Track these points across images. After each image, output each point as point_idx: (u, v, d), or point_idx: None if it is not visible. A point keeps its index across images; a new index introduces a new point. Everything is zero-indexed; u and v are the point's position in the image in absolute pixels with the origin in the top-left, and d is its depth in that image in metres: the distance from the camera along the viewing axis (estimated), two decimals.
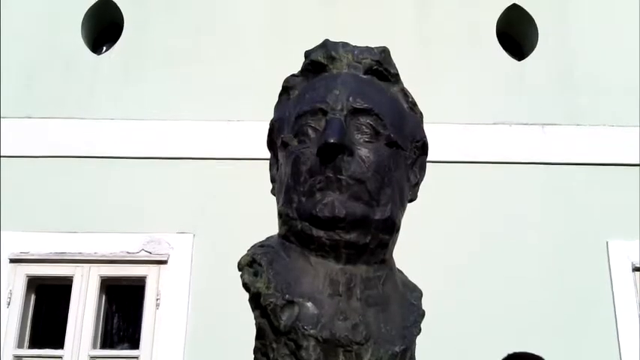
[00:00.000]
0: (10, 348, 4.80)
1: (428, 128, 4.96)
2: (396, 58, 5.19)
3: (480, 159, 5.14)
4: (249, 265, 1.59)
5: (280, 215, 1.65)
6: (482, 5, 5.55)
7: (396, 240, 1.67)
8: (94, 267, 4.97)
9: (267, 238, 1.70)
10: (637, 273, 4.87)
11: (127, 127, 5.17)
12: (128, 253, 4.97)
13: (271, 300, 1.51)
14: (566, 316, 4.79)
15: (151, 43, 5.45)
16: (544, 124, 5.22)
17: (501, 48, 5.47)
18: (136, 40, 5.47)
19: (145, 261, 4.99)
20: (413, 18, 5.53)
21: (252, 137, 5.02)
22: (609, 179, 5.10)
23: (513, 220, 5.02)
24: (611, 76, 5.34)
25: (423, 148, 1.78)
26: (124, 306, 5.21)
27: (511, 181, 5.11)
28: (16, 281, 4.92)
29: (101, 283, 5.00)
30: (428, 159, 4.85)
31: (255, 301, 1.55)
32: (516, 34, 5.69)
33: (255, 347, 1.57)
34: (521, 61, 5.46)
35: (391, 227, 1.63)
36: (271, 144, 1.80)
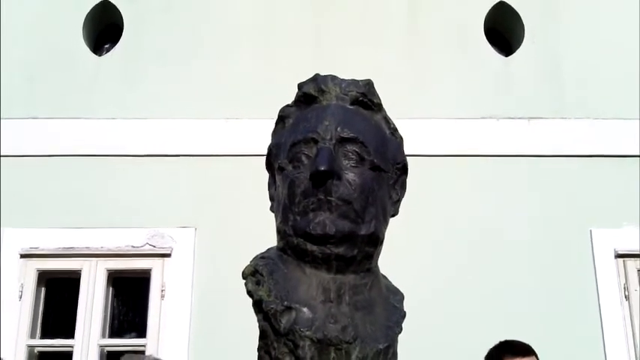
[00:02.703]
0: (24, 338, 4.91)
1: (420, 123, 5.21)
2: (387, 55, 5.41)
3: (469, 152, 5.26)
4: (252, 274, 1.82)
5: (279, 231, 1.88)
6: (471, 3, 5.66)
7: (380, 251, 1.90)
8: (101, 261, 5.08)
9: (268, 249, 1.93)
10: (619, 260, 5.00)
11: (128, 126, 5.28)
12: (133, 247, 5.08)
13: (272, 306, 1.75)
14: (551, 302, 4.92)
15: (151, 44, 5.54)
16: (530, 118, 5.35)
17: (489, 45, 5.60)
18: (135, 41, 5.56)
19: (149, 254, 5.09)
20: (403, 15, 5.64)
21: (249, 134, 5.21)
22: (592, 170, 5.23)
23: (500, 210, 5.16)
24: (595, 71, 5.46)
25: (403, 169, 2.00)
26: (130, 297, 5.32)
27: (498, 173, 5.24)
28: (26, 275, 5.04)
29: (108, 276, 5.10)
30: (421, 152, 5.03)
31: (258, 306, 1.78)
32: (504, 31, 5.83)
33: (259, 346, 1.81)
34: (509, 57, 5.60)
35: (375, 241, 1.86)
36: (269, 166, 2.02)
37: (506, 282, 4.99)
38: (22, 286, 5.02)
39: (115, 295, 5.27)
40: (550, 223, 5.15)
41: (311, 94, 1.94)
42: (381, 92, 5.11)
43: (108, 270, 5.10)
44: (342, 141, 1.83)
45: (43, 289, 5.17)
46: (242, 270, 1.87)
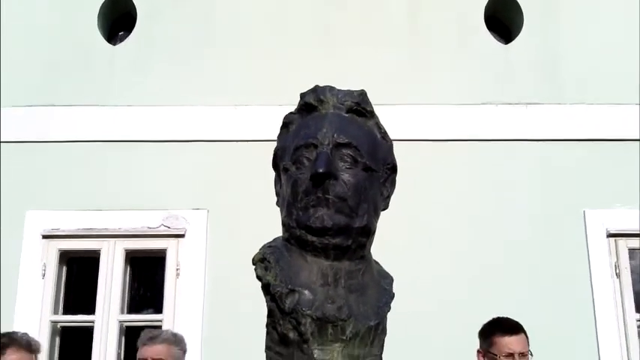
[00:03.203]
0: (47, 314, 5.15)
1: (422, 109, 5.41)
2: (388, 42, 5.59)
3: (469, 137, 5.47)
4: (261, 261, 2.10)
5: (284, 224, 2.16)
6: None
7: (372, 240, 2.17)
8: (119, 241, 5.28)
9: (274, 239, 2.20)
10: (611, 239, 5.20)
11: (143, 113, 5.50)
12: (149, 228, 5.28)
13: (278, 289, 2.03)
14: (546, 278, 5.15)
15: (163, 32, 5.74)
16: (528, 104, 5.55)
17: (489, 32, 5.78)
18: (148, 30, 5.76)
19: (164, 235, 5.28)
20: (405, 4, 5.81)
21: (258, 121, 5.44)
22: (586, 153, 5.42)
23: (499, 192, 5.37)
24: (592, 58, 5.65)
25: (392, 168, 2.26)
26: (147, 276, 5.56)
27: (497, 157, 5.45)
28: (49, 255, 5.25)
29: (126, 256, 5.30)
30: (424, 137, 5.23)
31: (266, 289, 2.06)
32: (504, 19, 6.01)
33: (267, 323, 2.09)
34: (508, 45, 5.78)
35: (367, 232, 2.14)
36: (275, 166, 2.28)
37: (503, 260, 5.21)
38: (44, 265, 5.25)
39: (133, 274, 5.48)
40: (546, 204, 5.36)
41: (311, 104, 2.20)
42: (381, 78, 5.36)
43: (126, 250, 5.32)
44: (338, 146, 2.10)
45: (64, 268, 5.41)
46: (252, 257, 2.14)
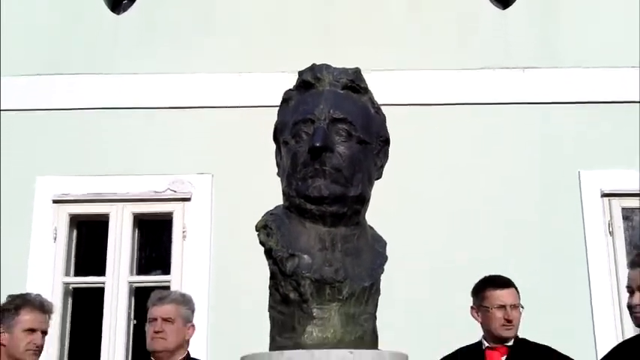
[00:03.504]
0: (59, 276, 5.32)
1: (422, 74, 5.51)
2: (388, 11, 5.65)
3: (467, 101, 5.57)
4: (264, 228, 2.26)
5: (284, 193, 2.31)
6: None
7: (367, 208, 2.33)
8: (127, 205, 5.43)
9: (275, 207, 2.36)
10: (605, 198, 5.34)
11: (149, 81, 5.61)
12: (156, 192, 5.43)
13: (279, 254, 2.20)
14: (541, 237, 5.30)
15: (167, 1, 5.84)
16: (525, 68, 5.65)
17: None
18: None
19: (171, 199, 5.42)
20: None
21: (260, 87, 5.55)
22: (582, 116, 5.52)
23: (497, 154, 5.49)
24: (588, 22, 5.73)
25: (385, 141, 2.41)
26: (155, 238, 5.73)
27: (495, 120, 5.55)
28: (59, 219, 5.41)
29: (134, 219, 5.45)
30: (427, 102, 5.34)
31: (269, 253, 2.23)
32: None
33: (270, 284, 2.26)
34: (506, 10, 5.82)
35: (362, 200, 2.30)
36: (276, 139, 2.43)
37: (501, 219, 5.35)
38: (55, 229, 5.40)
39: (141, 237, 5.63)
40: (542, 165, 5.50)
41: (309, 81, 2.34)
42: (381, 44, 5.45)
43: (133, 213, 5.46)
44: (334, 121, 2.25)
45: (74, 232, 5.56)
46: (255, 224, 2.30)
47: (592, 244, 5.31)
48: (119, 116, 5.59)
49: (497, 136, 5.57)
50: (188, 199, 5.45)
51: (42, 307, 3.73)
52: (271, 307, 2.27)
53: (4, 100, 5.56)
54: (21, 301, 3.70)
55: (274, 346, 2.23)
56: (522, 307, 3.81)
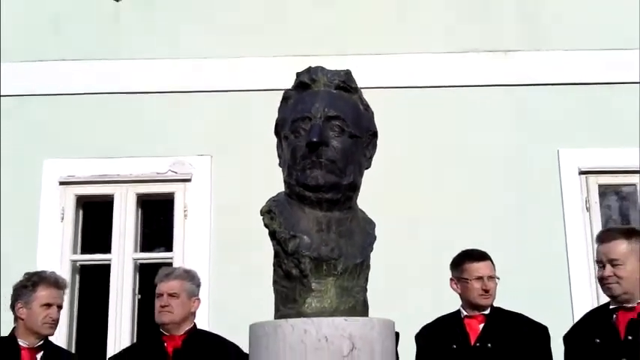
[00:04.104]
0: (67, 254, 5.59)
1: (408, 57, 5.77)
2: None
3: (451, 83, 5.85)
4: (268, 212, 2.58)
5: (285, 182, 2.63)
6: None
7: (358, 194, 2.65)
8: (131, 186, 5.69)
9: (277, 194, 2.67)
10: (582, 176, 5.63)
11: (149, 66, 5.86)
12: (158, 173, 5.68)
13: (282, 235, 2.51)
14: (522, 212, 5.58)
15: None
16: (507, 51, 5.92)
17: None
18: None
19: (172, 180, 5.68)
20: None
21: (258, 72, 5.82)
22: (562, 97, 5.80)
23: (480, 133, 5.77)
24: (567, 7, 5.98)
25: (373, 134, 2.73)
26: (157, 217, 6.03)
27: (478, 101, 5.82)
28: (66, 200, 5.67)
29: (137, 199, 5.71)
30: (413, 84, 5.58)
31: (272, 235, 2.55)
32: None
33: (274, 262, 2.58)
34: None
35: (354, 188, 2.62)
36: (277, 133, 2.73)
37: (483, 195, 5.64)
38: (62, 209, 5.67)
39: (144, 216, 5.89)
40: (523, 144, 5.77)
41: (305, 82, 2.65)
42: (368, 29, 5.69)
43: (137, 194, 5.73)
44: (328, 118, 2.56)
45: (80, 212, 5.83)
46: (260, 209, 2.61)
47: (570, 219, 5.61)
48: (122, 100, 5.84)
49: (481, 117, 5.84)
50: (188, 180, 5.72)
51: (57, 283, 4.02)
52: (275, 282, 2.59)
53: (12, 85, 5.80)
54: (38, 278, 3.99)
55: (279, 315, 2.55)
56: (498, 278, 4.11)
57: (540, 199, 5.66)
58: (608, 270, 3.43)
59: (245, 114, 5.77)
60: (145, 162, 5.74)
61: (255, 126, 5.55)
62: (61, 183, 5.72)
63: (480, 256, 4.11)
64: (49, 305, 3.91)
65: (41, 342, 3.94)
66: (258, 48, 5.91)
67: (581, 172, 5.68)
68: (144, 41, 5.97)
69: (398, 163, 5.55)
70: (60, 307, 4.00)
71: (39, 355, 3.92)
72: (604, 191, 5.76)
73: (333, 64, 5.49)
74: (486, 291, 4.01)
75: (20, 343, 3.88)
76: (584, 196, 5.66)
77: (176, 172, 5.73)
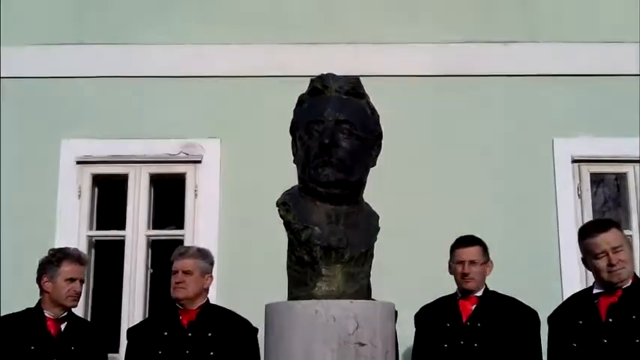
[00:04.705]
0: (84, 230, 5.85)
1: (410, 48, 6.01)
2: None
3: (452, 72, 6.07)
4: (283, 204, 2.88)
5: (299, 178, 2.92)
6: None
7: (364, 190, 2.94)
8: (144, 166, 5.92)
9: (292, 187, 2.97)
10: (575, 164, 5.87)
11: (164, 51, 6.08)
12: (170, 155, 5.91)
13: (296, 226, 2.82)
14: (518, 198, 5.82)
15: None
16: (506, 42, 6.15)
17: None
18: None
19: (183, 161, 5.91)
20: None
21: (267, 58, 6.05)
22: (558, 88, 6.02)
23: (479, 122, 6.01)
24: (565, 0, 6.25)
25: (378, 136, 3.02)
26: (169, 196, 6.23)
27: (478, 91, 6.04)
28: (83, 179, 5.91)
29: (150, 179, 5.94)
30: (414, 73, 5.81)
31: (287, 225, 2.85)
32: None
33: (288, 249, 2.89)
34: None
35: (360, 184, 2.94)
36: (292, 133, 3.01)
37: (480, 182, 5.90)
38: (79, 187, 5.92)
39: (157, 195, 6.13)
40: (519, 133, 6.01)
41: (318, 88, 2.93)
42: (368, 19, 5.91)
43: (150, 174, 5.97)
44: (339, 122, 2.86)
45: (96, 190, 6.07)
46: (275, 201, 2.91)
47: (562, 205, 5.85)
48: (137, 84, 6.07)
49: (479, 107, 6.06)
50: (199, 162, 5.95)
51: (80, 259, 4.32)
52: (289, 267, 2.90)
53: (33, 68, 6.06)
54: (62, 255, 4.28)
55: (292, 297, 2.86)
56: (491, 263, 4.39)
57: (534, 185, 5.90)
58: (614, 258, 3.63)
59: (253, 99, 6.01)
60: (157, 144, 5.96)
61: (263, 110, 5.91)
62: (78, 162, 5.95)
63: (465, 241, 4.41)
64: (72, 280, 4.20)
65: (65, 313, 4.23)
66: (268, 35, 6.13)
67: (574, 161, 5.92)
68: (158, 27, 6.19)
69: (396, 150, 5.70)
70: (82, 281, 4.29)
71: (63, 326, 4.22)
72: (595, 179, 5.99)
73: (337, 51, 5.86)
74: (465, 274, 4.29)
75: (46, 314, 4.18)
76: (576, 183, 5.90)
77: (187, 154, 5.95)
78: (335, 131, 2.82)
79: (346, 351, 2.61)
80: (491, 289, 4.44)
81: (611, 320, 3.63)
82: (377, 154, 3.02)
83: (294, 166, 3.06)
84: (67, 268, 4.21)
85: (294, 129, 3.02)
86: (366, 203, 3.02)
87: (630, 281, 3.69)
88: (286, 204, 2.87)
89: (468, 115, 6.06)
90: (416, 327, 4.53)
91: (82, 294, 5.57)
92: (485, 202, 5.86)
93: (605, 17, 6.19)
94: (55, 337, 4.15)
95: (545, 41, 6.19)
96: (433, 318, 4.43)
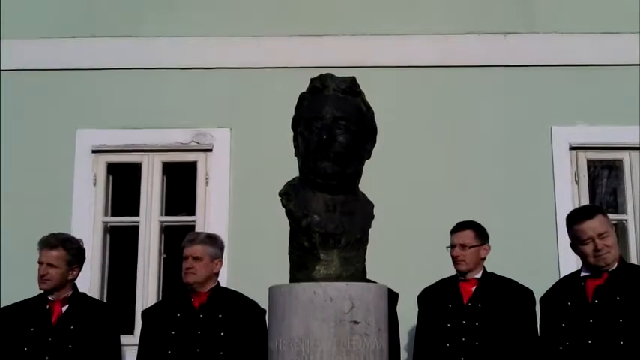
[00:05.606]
0: (99, 216, 6.08)
1: (414, 39, 6.19)
2: None
3: (453, 63, 6.26)
4: (285, 194, 3.11)
5: (300, 170, 3.16)
6: None
7: (359, 180, 3.17)
8: (157, 155, 6.14)
9: (293, 179, 3.21)
10: (572, 151, 6.07)
11: (175, 43, 6.28)
12: (181, 143, 6.12)
13: (297, 214, 3.06)
14: (517, 184, 6.03)
15: None
16: (506, 33, 6.32)
17: None
18: None
19: (194, 150, 6.12)
20: None
21: (275, 49, 6.26)
22: (556, 77, 6.21)
23: (480, 111, 6.21)
24: None
25: (373, 131, 3.24)
26: (181, 184, 6.41)
27: (479, 80, 6.24)
28: (98, 167, 6.14)
29: (163, 167, 6.16)
30: (416, 64, 6.01)
31: (289, 213, 3.09)
32: None
33: (289, 236, 3.12)
34: None
35: (356, 176, 3.19)
36: (294, 129, 3.24)
37: (481, 168, 6.11)
38: (95, 175, 6.14)
39: (169, 182, 6.34)
40: (519, 121, 6.20)
41: (318, 87, 3.15)
42: (372, 10, 6.08)
43: (162, 162, 6.19)
44: (336, 119, 3.10)
45: (111, 178, 6.30)
46: (278, 191, 3.15)
47: (560, 190, 6.06)
48: (150, 76, 6.29)
49: (480, 96, 6.26)
50: (210, 150, 6.16)
51: (44, 243, 4.43)
52: (290, 252, 3.15)
53: (49, 61, 6.29)
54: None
55: (293, 279, 3.11)
56: (488, 246, 4.61)
57: (533, 172, 6.10)
58: (600, 243, 3.83)
59: (262, 89, 6.22)
60: (169, 133, 6.18)
61: (271, 101, 6.10)
62: (94, 151, 6.17)
63: (457, 226, 4.64)
64: (40, 263, 4.39)
65: (68, 294, 4.41)
66: (276, 27, 6.33)
67: (572, 148, 6.12)
68: (169, 19, 6.39)
69: (398, 138, 5.94)
70: (49, 264, 4.36)
71: (64, 308, 4.38)
72: (592, 165, 6.18)
73: (342, 43, 6.04)
74: (455, 256, 4.53)
75: (49, 297, 4.40)
76: (573, 169, 6.10)
77: (198, 143, 6.16)
78: (333, 127, 3.06)
79: (342, 328, 2.86)
80: (490, 270, 4.64)
81: (597, 301, 3.83)
82: (371, 148, 3.26)
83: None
84: (40, 253, 4.42)
85: (295, 125, 3.25)
86: (362, 193, 3.26)
87: (616, 264, 3.89)
88: (288, 194, 3.11)
89: (469, 103, 6.26)
90: (419, 307, 4.75)
91: (98, 278, 5.93)
92: (486, 187, 6.06)
93: (602, 8, 6.35)
94: (54, 318, 4.33)
95: (544, 32, 6.36)
96: (435, 299, 4.65)
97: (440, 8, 6.44)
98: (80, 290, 4.53)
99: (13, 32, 6.33)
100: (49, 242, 4.41)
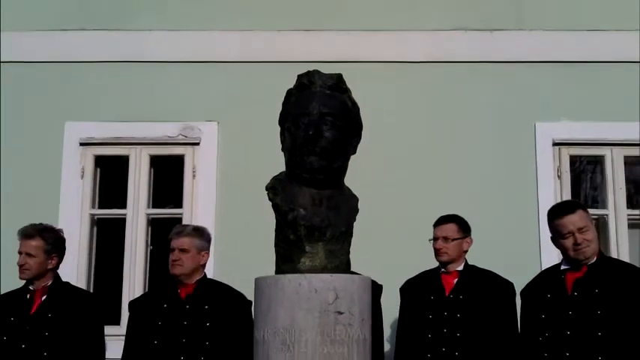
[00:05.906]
0: (86, 209, 6.10)
1: (402, 35, 6.26)
2: None
3: (441, 59, 6.32)
4: (272, 188, 3.17)
5: (286, 165, 3.21)
6: None
7: (345, 175, 3.24)
8: (145, 148, 6.16)
9: (280, 173, 3.27)
10: (555, 147, 6.15)
11: (164, 37, 6.32)
12: (169, 137, 6.14)
13: (284, 208, 3.12)
14: (500, 179, 6.10)
15: None
16: (493, 30, 6.39)
17: None
18: None
19: (182, 143, 6.15)
20: None
21: (265, 44, 6.30)
22: (541, 74, 6.27)
23: (466, 106, 6.27)
24: None
25: (359, 127, 3.31)
26: (168, 177, 6.47)
27: (465, 76, 6.29)
28: (85, 159, 6.15)
29: (150, 160, 6.18)
30: (404, 59, 6.07)
31: (275, 207, 3.15)
32: None
33: (275, 229, 3.19)
34: None
35: (341, 170, 3.24)
36: (281, 124, 3.30)
37: (463, 163, 6.17)
38: (82, 168, 6.16)
39: (156, 175, 6.37)
40: (504, 117, 6.27)
41: (305, 83, 3.21)
42: (361, 7, 6.11)
43: (150, 155, 6.21)
44: (322, 115, 3.16)
45: (98, 170, 6.32)
46: (265, 185, 3.20)
47: (542, 185, 6.13)
48: (138, 69, 6.31)
49: (467, 91, 6.32)
50: (197, 144, 6.20)
51: (22, 233, 4.46)
52: (276, 245, 3.21)
53: (37, 53, 6.31)
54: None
55: (279, 271, 3.17)
56: (470, 239, 4.68)
57: (517, 166, 6.16)
58: (580, 237, 3.92)
59: (249, 84, 6.25)
60: (157, 126, 6.20)
61: (259, 95, 6.12)
62: (81, 144, 6.19)
63: (439, 220, 4.71)
64: (19, 253, 4.42)
65: (48, 283, 4.43)
66: (266, 22, 6.37)
67: (555, 144, 6.19)
68: (159, 13, 6.43)
69: (383, 133, 6.00)
70: (28, 254, 4.39)
71: (44, 297, 4.40)
72: (574, 161, 6.25)
73: (333, 38, 6.09)
74: (437, 249, 4.61)
75: (30, 287, 4.44)
76: (556, 165, 6.17)
77: (186, 136, 6.19)
78: (319, 123, 3.12)
79: (326, 319, 2.93)
80: (472, 263, 4.71)
81: (576, 294, 3.92)
82: (357, 143, 3.32)
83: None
84: (19, 243, 4.45)
85: (282, 120, 3.31)
86: (347, 187, 3.32)
87: (595, 258, 3.98)
88: (275, 188, 3.18)
89: (456, 99, 6.31)
90: (401, 299, 4.81)
91: (85, 270, 5.96)
92: (471, 181, 6.13)
93: (588, 6, 6.43)
94: (34, 307, 4.35)
95: (530, 29, 6.43)
96: (418, 291, 4.71)
97: (427, 4, 6.49)
98: (65, 280, 4.56)
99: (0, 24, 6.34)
100: (27, 232, 4.45)
